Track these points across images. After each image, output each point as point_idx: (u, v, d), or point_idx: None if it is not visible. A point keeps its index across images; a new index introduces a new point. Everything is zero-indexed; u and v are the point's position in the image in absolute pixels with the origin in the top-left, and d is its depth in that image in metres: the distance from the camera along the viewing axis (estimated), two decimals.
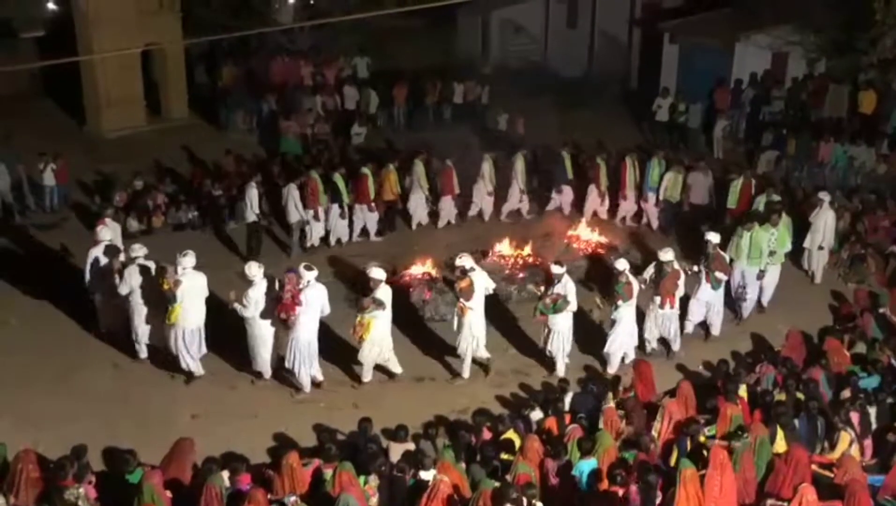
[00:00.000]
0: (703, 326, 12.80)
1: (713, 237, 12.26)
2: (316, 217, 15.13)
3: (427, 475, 8.26)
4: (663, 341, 12.29)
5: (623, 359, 11.85)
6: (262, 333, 11.04)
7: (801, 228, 14.32)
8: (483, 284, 11.28)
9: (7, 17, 25.35)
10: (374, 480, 8.30)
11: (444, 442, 9.32)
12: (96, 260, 11.82)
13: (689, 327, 12.53)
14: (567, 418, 9.80)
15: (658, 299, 11.79)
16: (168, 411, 10.59)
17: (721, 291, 12.36)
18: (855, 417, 9.61)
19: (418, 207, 16.39)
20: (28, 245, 15.19)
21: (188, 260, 10.90)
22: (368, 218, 15.81)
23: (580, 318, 11.99)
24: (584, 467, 8.50)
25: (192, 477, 8.56)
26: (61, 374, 11.26)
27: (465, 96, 22.31)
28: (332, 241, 15.55)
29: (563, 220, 16.49)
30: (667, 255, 11.76)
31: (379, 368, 11.49)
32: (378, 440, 9.41)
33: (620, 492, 8.05)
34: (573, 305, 11.31)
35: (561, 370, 11.61)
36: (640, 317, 12.02)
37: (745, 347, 12.42)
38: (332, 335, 11.70)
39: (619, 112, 23.16)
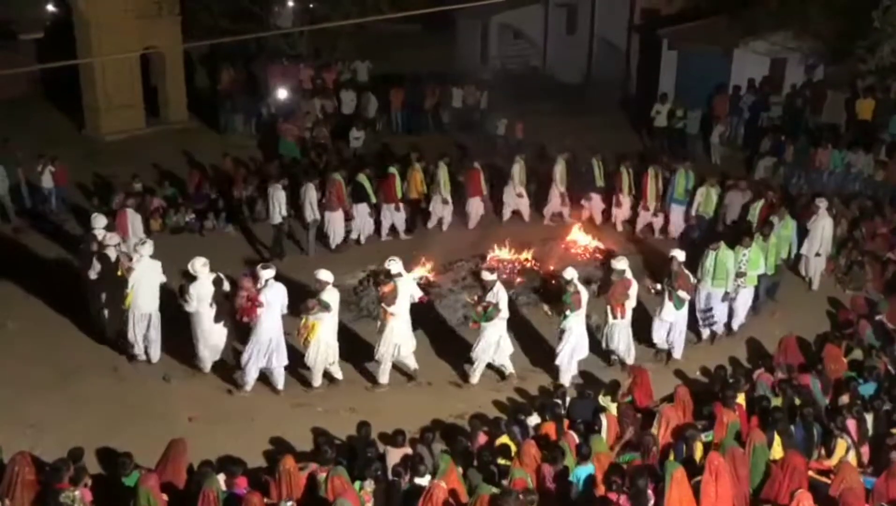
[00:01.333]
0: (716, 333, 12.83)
1: (678, 255, 11.86)
2: (348, 217, 15.54)
3: (423, 481, 8.26)
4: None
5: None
6: (204, 329, 11.07)
7: (798, 234, 14.37)
8: (408, 290, 11.14)
9: (6, 19, 25.39)
10: (369, 485, 8.29)
11: (441, 447, 9.32)
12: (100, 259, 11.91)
13: (660, 344, 12.23)
14: (565, 423, 9.79)
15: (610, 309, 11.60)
16: (165, 415, 10.56)
17: (685, 311, 11.96)
18: (852, 424, 9.61)
19: (436, 207, 16.57)
20: (25, 248, 15.17)
21: (145, 249, 11.26)
22: (396, 217, 16.02)
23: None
24: (581, 473, 8.49)
25: (187, 480, 8.54)
26: (59, 377, 11.24)
27: (464, 101, 22.37)
28: (357, 238, 15.91)
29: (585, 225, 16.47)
30: (620, 263, 11.57)
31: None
32: (375, 445, 9.40)
33: (619, 499, 8.04)
34: (504, 313, 11.08)
35: (474, 379, 11.51)
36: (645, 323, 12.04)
37: (742, 354, 12.44)
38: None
39: (618, 118, 23.20)
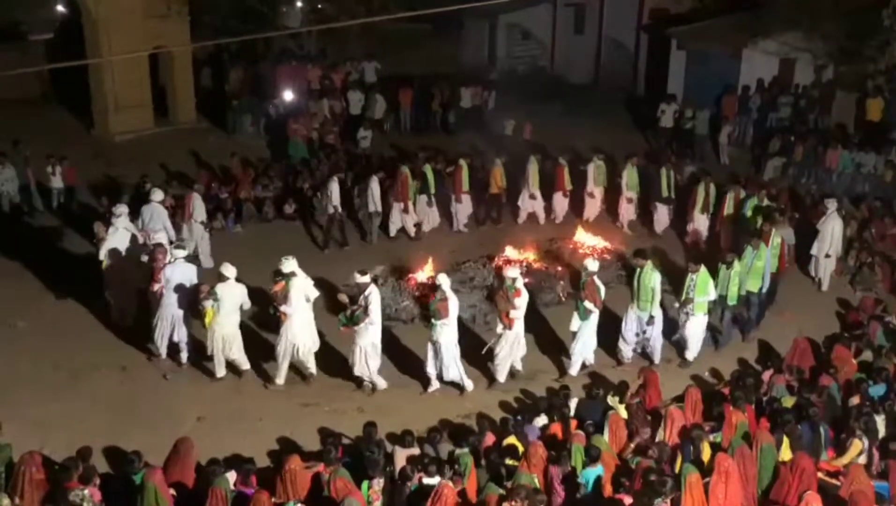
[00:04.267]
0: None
1: (590, 264, 11.55)
2: (406, 210, 15.83)
3: (431, 481, 8.26)
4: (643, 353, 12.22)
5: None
6: (161, 313, 11.30)
7: (807, 235, 14.32)
8: (303, 290, 11.01)
9: (16, 20, 25.52)
10: (378, 484, 8.29)
11: (448, 447, 9.31)
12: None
13: (590, 359, 11.95)
14: (573, 423, 9.77)
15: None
16: (174, 414, 10.59)
17: (591, 324, 11.53)
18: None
19: (524, 202, 16.77)
20: (36, 247, 15.22)
21: (121, 221, 12.08)
22: (459, 210, 16.38)
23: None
24: (590, 474, 8.48)
25: (195, 479, 8.56)
26: (68, 376, 11.29)
27: (472, 101, 22.36)
28: (425, 228, 16.30)
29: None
30: (512, 272, 11.39)
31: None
32: (383, 445, 9.40)
33: (626, 501, 8.03)
34: (373, 317, 10.78)
35: (379, 385, 11.23)
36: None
37: (752, 355, 12.39)
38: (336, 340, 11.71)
39: (626, 118, 23.16)
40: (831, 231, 13.98)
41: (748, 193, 15.03)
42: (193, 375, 11.54)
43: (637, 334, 11.99)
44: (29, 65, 20.21)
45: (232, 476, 8.34)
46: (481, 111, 22.33)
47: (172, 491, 8.08)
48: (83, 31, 20.12)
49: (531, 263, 14.58)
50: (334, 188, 15.20)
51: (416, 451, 9.24)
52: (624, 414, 9.94)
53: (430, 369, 11.22)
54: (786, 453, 9.00)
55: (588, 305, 11.39)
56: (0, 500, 7.43)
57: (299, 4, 25.16)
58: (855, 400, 10.16)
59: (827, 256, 14.09)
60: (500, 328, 11.32)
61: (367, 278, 10.94)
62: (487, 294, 12.46)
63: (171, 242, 12.57)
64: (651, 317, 11.72)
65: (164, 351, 11.63)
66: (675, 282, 12.74)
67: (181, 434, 9.13)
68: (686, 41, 22.31)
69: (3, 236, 15.46)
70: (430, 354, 11.14)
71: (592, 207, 16.79)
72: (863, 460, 9.22)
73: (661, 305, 11.92)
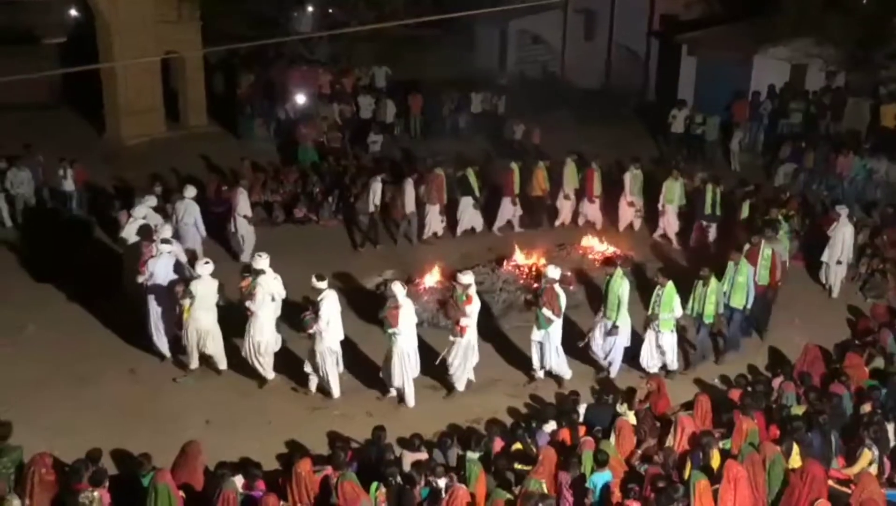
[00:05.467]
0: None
1: (551, 271, 11.25)
2: (442, 211, 16.06)
3: (439, 483, 8.25)
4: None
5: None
6: (147, 308, 11.54)
7: (818, 242, 14.26)
8: (269, 289, 11.00)
9: (30, 25, 25.70)
10: (382, 488, 8.29)
11: (457, 452, 9.30)
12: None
13: (540, 372, 11.64)
14: (581, 429, 9.75)
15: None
16: (183, 417, 10.61)
17: (553, 331, 11.20)
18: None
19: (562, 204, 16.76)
20: (46, 251, 15.28)
21: (140, 211, 12.88)
22: (507, 211, 16.47)
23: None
24: (598, 479, 8.45)
25: (204, 482, 8.57)
26: (78, 379, 11.32)
27: (482, 106, 22.38)
28: (459, 231, 16.48)
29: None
30: (466, 278, 11.07)
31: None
32: (391, 449, 9.40)
33: None
34: (322, 326, 10.60)
35: (333, 393, 11.07)
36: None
37: (762, 362, 12.33)
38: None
39: (636, 124, 23.13)
40: (842, 238, 13.91)
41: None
42: (202, 379, 11.56)
43: (591, 341, 11.75)
44: (42, 69, 20.34)
45: (240, 480, 8.35)
46: (491, 116, 22.34)
47: (181, 493, 8.10)
48: (96, 36, 20.26)
49: (540, 269, 14.54)
50: (377, 188, 15.48)
51: (423, 455, 9.23)
52: (633, 420, 9.91)
53: (396, 379, 10.97)
54: (796, 461, 8.95)
55: (546, 312, 11.08)
56: (11, 501, 7.46)
57: (310, 9, 25.27)
58: (866, 408, 10.10)
59: (838, 262, 14.01)
60: (451, 337, 11.14)
61: (323, 284, 10.80)
62: (438, 302, 12.34)
63: (201, 239, 13.73)
64: (615, 326, 11.39)
65: (165, 349, 11.73)
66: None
67: (189, 437, 9.15)
68: (696, 47, 22.29)
69: (15, 239, 15.60)
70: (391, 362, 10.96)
71: (628, 216, 16.49)
72: (873, 469, 9.15)
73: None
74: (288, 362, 11.53)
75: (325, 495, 8.31)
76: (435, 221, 16.24)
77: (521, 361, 12.07)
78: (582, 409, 10.28)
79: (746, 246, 12.54)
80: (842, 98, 20.48)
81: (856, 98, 20.23)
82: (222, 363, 11.48)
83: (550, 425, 10.01)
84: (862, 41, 19.00)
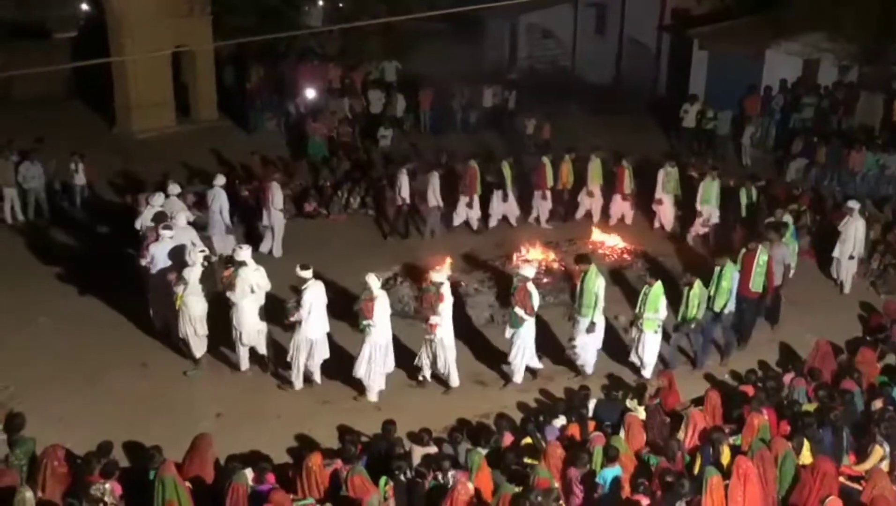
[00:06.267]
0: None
1: (525, 270, 11.18)
2: (469, 204, 16.17)
3: (448, 476, 8.27)
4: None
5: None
6: (151, 297, 12.05)
7: (830, 237, 14.18)
8: (250, 280, 11.04)
9: (41, 19, 25.81)
10: (391, 482, 8.31)
11: (467, 446, 9.31)
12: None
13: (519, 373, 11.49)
14: (591, 425, 9.74)
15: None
16: (194, 410, 10.66)
17: (525, 331, 11.09)
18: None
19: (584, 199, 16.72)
20: (58, 244, 15.39)
21: (157, 199, 13.15)
22: (541, 205, 16.50)
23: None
24: (607, 474, 8.45)
25: (215, 476, 8.61)
26: (90, 372, 11.38)
27: (492, 101, 22.33)
28: (493, 223, 16.56)
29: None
30: (438, 276, 11.04)
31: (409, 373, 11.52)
32: (401, 443, 9.42)
33: (644, 502, 8.00)
34: (301, 315, 10.68)
35: (295, 385, 11.12)
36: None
37: (773, 357, 12.28)
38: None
39: (647, 119, 23.05)
40: (854, 233, 13.83)
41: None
42: (213, 372, 11.61)
43: (571, 340, 11.65)
44: (53, 63, 20.41)
45: (250, 473, 8.38)
46: (502, 111, 22.30)
47: (188, 484, 8.13)
48: (106, 31, 20.31)
49: (549, 264, 14.55)
50: (404, 181, 15.60)
51: (432, 449, 9.24)
52: (642, 416, 9.90)
53: (362, 374, 10.97)
54: (807, 457, 8.92)
55: (519, 311, 10.96)
56: (23, 492, 7.50)
57: (321, 3, 25.27)
58: (878, 404, 10.05)
59: (850, 257, 13.94)
60: (425, 335, 11.10)
61: (307, 274, 10.86)
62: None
63: (225, 227, 14.14)
64: (592, 324, 11.25)
65: (199, 350, 11.62)
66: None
67: (200, 430, 9.19)
68: (708, 42, 22.18)
69: (28, 232, 15.69)
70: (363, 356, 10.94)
71: (663, 215, 16.25)
72: (885, 465, 9.12)
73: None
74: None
75: (335, 489, 8.33)
76: (468, 213, 16.30)
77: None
78: (592, 404, 10.27)
79: (743, 251, 12.29)
80: (854, 93, 20.35)
81: (868, 93, 20.09)
82: (199, 351, 11.58)
83: (560, 421, 10.02)
84: (875, 36, 18.85)
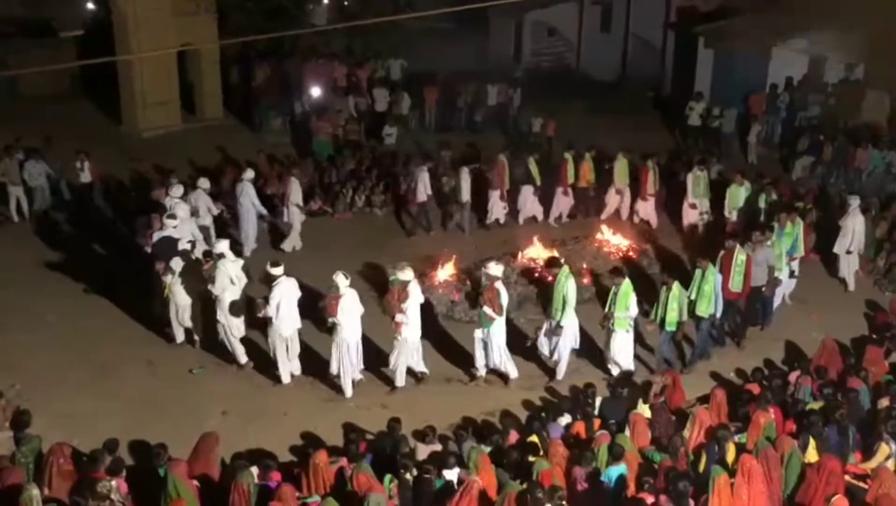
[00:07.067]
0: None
1: (493, 269, 11.10)
2: (502, 197, 16.28)
3: (450, 475, 8.27)
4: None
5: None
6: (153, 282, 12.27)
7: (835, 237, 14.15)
8: (229, 273, 11.17)
9: (48, 17, 25.86)
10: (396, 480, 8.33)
11: (471, 444, 9.32)
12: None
13: (482, 370, 11.41)
14: (596, 423, 9.74)
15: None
16: (199, 408, 10.68)
17: (495, 330, 11.00)
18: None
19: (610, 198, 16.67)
20: (65, 242, 15.43)
21: (176, 190, 13.58)
22: (562, 201, 16.61)
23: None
24: (612, 472, 8.45)
25: (221, 473, 8.64)
26: (96, 370, 11.42)
27: (497, 99, 22.32)
28: (521, 220, 16.64)
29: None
30: (404, 274, 10.96)
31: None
32: (406, 441, 9.43)
33: (649, 500, 7.99)
34: (269, 311, 10.78)
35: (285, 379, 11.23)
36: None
37: (779, 356, 12.26)
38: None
39: (652, 116, 23.01)
40: (853, 228, 13.77)
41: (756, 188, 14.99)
42: (219, 371, 11.64)
43: (543, 341, 11.53)
44: (60, 61, 20.48)
45: (255, 471, 8.40)
46: (507, 109, 22.29)
47: (196, 483, 8.16)
48: (113, 29, 20.35)
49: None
50: (424, 177, 15.76)
51: (437, 447, 9.26)
52: (648, 414, 9.90)
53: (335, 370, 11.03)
54: (812, 456, 8.90)
55: (487, 310, 10.89)
56: (29, 490, 7.53)
57: (326, 2, 25.27)
58: (884, 402, 10.03)
59: (848, 252, 13.87)
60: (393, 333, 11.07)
61: (278, 271, 10.95)
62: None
63: (259, 216, 14.78)
64: (559, 326, 11.15)
65: (179, 336, 11.99)
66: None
67: (206, 428, 9.22)
68: (714, 39, 22.12)
69: (34, 230, 15.73)
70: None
71: (691, 218, 15.90)
72: (891, 464, 9.09)
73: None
74: (308, 356, 11.58)
75: (340, 486, 8.35)
76: (497, 208, 16.37)
77: (535, 354, 12.02)
78: (597, 402, 10.26)
79: (721, 252, 12.11)
80: (860, 90, 20.27)
81: (874, 90, 20.01)
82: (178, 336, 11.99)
83: (565, 418, 10.02)
84: (881, 32, 18.78)
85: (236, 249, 13.68)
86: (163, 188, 14.60)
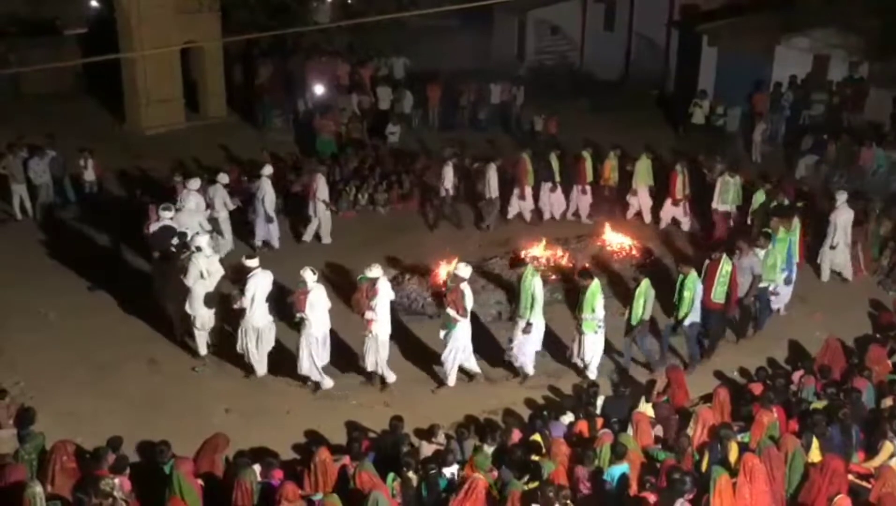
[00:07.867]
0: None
1: (461, 270, 10.92)
2: (522, 196, 16.31)
3: (448, 473, 8.29)
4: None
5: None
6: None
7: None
8: (199, 266, 11.19)
9: (51, 15, 25.90)
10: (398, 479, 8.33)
11: (474, 443, 9.32)
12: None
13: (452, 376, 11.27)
14: (599, 421, 9.73)
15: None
16: (202, 406, 10.70)
17: (459, 332, 10.86)
18: None
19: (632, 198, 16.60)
20: (68, 240, 15.44)
21: (193, 183, 13.85)
22: (581, 200, 16.56)
23: (610, 322, 11.76)
24: (615, 471, 8.44)
25: (224, 472, 8.64)
26: (99, 368, 11.42)
27: (501, 97, 22.31)
28: (546, 216, 16.68)
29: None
30: (372, 271, 10.87)
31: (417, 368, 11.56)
32: (408, 439, 9.43)
33: (651, 499, 7.99)
34: (244, 303, 10.78)
35: (258, 371, 11.25)
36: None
37: (782, 355, 12.23)
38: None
39: (656, 115, 22.98)
40: (836, 222, 13.71)
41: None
42: (221, 369, 11.64)
43: (510, 341, 11.48)
44: (63, 59, 20.50)
45: (258, 469, 8.41)
46: (510, 107, 22.28)
47: (200, 481, 8.17)
48: (116, 27, 20.37)
49: (557, 260, 14.52)
50: (448, 172, 15.95)
51: (440, 446, 9.25)
52: (651, 413, 9.89)
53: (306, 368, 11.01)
54: (816, 455, 8.89)
55: (451, 312, 10.75)
56: (33, 487, 7.54)
57: (329, 0, 25.26)
58: (888, 402, 10.01)
59: (832, 247, 13.83)
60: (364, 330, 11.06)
61: (253, 263, 10.96)
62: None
63: (266, 217, 14.76)
64: (528, 324, 11.03)
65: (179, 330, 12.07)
66: None
67: (209, 426, 9.23)
68: (717, 38, 22.08)
69: (40, 224, 15.75)
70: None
71: (721, 227, 15.46)
72: (894, 462, 9.08)
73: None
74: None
75: (342, 484, 8.36)
76: (521, 204, 16.41)
77: (535, 354, 12.00)
78: (600, 401, 10.25)
79: (707, 262, 11.94)
80: (864, 89, 20.23)
81: (879, 89, 19.97)
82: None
83: (568, 417, 10.01)
84: (885, 31, 18.74)
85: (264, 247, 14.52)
86: (176, 179, 14.99)
